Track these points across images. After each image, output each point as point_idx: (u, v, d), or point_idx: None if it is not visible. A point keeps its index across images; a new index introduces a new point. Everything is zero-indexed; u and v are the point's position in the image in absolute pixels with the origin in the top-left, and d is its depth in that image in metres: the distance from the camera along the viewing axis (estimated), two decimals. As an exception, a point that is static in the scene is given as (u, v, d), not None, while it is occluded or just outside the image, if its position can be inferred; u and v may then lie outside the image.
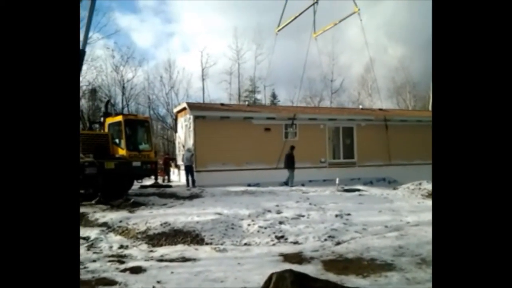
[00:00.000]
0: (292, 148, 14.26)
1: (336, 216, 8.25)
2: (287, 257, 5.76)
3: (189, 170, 14.06)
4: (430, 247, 6.13)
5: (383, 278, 4.71)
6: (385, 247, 6.15)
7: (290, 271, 3.96)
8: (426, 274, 4.84)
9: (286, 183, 13.86)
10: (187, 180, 14.11)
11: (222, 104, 18.69)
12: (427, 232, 6.99)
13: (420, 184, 12.64)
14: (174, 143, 22.48)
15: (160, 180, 15.80)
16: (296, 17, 17.04)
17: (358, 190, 12.53)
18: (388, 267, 5.18)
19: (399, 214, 8.62)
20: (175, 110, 19.35)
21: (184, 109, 16.49)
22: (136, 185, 12.96)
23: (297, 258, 5.74)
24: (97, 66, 32.45)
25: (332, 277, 4.68)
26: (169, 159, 19.09)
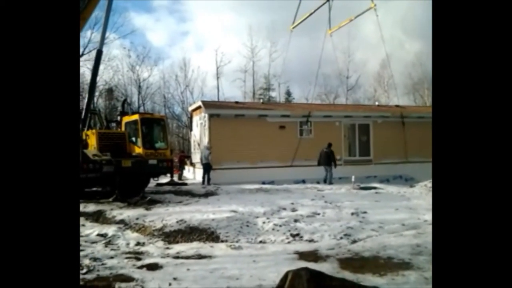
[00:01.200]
0: (330, 145, 14.02)
1: (352, 214, 8.18)
2: (302, 255, 5.74)
3: (207, 168, 14.02)
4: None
5: (400, 277, 4.65)
6: (402, 245, 6.06)
7: (306, 269, 3.94)
8: (445, 273, 4.75)
9: (325, 181, 13.78)
10: (204, 178, 14.09)
11: (236, 102, 18.71)
12: (446, 231, 6.86)
13: (438, 181, 12.39)
14: (189, 141, 22.67)
15: (175, 178, 15.94)
16: (311, 14, 16.91)
17: (375, 188, 12.39)
18: (405, 266, 5.10)
19: (416, 212, 8.48)
20: (190, 109, 19.50)
21: (199, 107, 16.59)
22: (152, 183, 13.11)
23: (313, 256, 5.71)
24: (114, 66, 33.08)
25: (348, 275, 4.64)
26: (184, 157, 19.24)
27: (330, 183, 13.62)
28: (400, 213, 8.36)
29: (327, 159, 13.81)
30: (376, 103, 23.66)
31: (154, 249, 6.25)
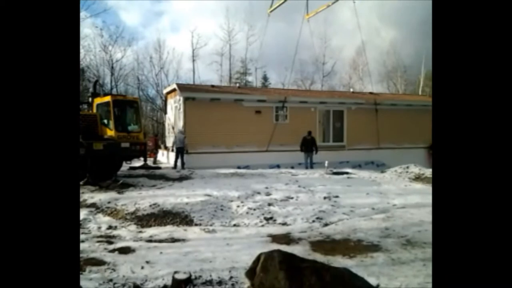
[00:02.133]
0: (310, 132, 14.54)
1: (325, 198, 8.36)
2: (275, 238, 5.84)
3: (180, 151, 13.95)
4: (415, 228, 6.30)
5: (369, 259, 4.81)
6: (371, 228, 6.27)
7: (278, 251, 4.01)
8: (411, 254, 4.96)
9: (306, 167, 14.16)
10: (176, 161, 13.99)
11: (212, 86, 18.50)
12: (413, 214, 7.13)
13: (407, 167, 12.83)
14: (163, 125, 22.30)
15: (149, 162, 15.72)
16: (288, -2, 16.77)
17: (347, 173, 12.67)
18: (374, 248, 5.28)
19: (386, 196, 8.76)
20: (164, 91, 19.13)
21: (174, 90, 16.29)
22: (125, 166, 12.88)
23: (285, 239, 5.82)
24: (85, 46, 31.74)
25: (319, 257, 4.77)
26: (158, 140, 18.95)
27: (311, 167, 13.95)
28: (371, 198, 8.62)
29: (311, 145, 14.31)
30: (351, 90, 23.99)
31: (126, 233, 6.19)
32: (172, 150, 14.38)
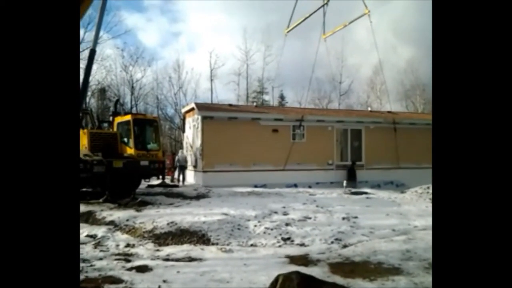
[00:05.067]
0: (354, 162, 16.03)
1: (343, 219, 8.21)
2: (293, 259, 5.74)
3: (182, 169, 16.02)
4: (438, 251, 6.07)
5: (390, 282, 4.67)
6: (392, 250, 6.09)
7: (297, 273, 3.95)
8: (434, 279, 4.78)
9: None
10: (178, 177, 15.97)
11: (230, 105, 18.70)
12: (436, 237, 6.92)
13: (428, 188, 12.51)
14: (181, 143, 22.58)
15: (167, 180, 15.88)
16: (305, 18, 16.99)
17: (366, 193, 12.45)
18: (395, 271, 5.13)
19: (407, 217, 8.54)
20: (183, 110, 19.43)
21: (192, 109, 16.54)
22: (143, 184, 13.03)
23: (303, 260, 5.72)
24: (107, 66, 32.79)
25: (338, 279, 4.65)
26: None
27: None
28: (391, 219, 8.41)
29: (353, 174, 15.75)
30: (369, 109, 23.84)
31: (144, 251, 6.20)
32: (175, 168, 16.49)
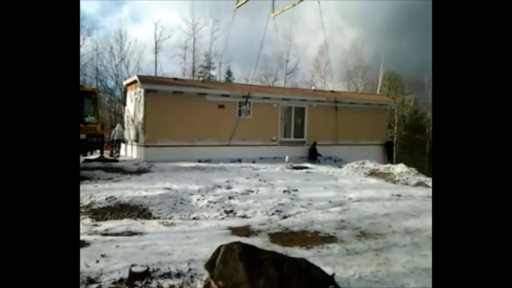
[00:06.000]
0: (315, 143, 16.45)
1: (284, 192, 8.51)
2: (235, 231, 5.87)
3: (118, 143, 16.20)
4: (369, 221, 6.57)
5: (325, 249, 4.98)
6: (328, 221, 6.47)
7: (239, 243, 4.04)
8: (364, 245, 5.18)
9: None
10: (113, 151, 15.94)
11: (175, 79, 18.12)
12: (367, 208, 7.45)
13: (363, 163, 13.34)
14: (122, 117, 21.62)
15: (106, 155, 15.22)
16: (254, -6, 16.77)
17: (306, 168, 12.97)
18: (330, 239, 5.47)
19: (343, 190, 9.07)
20: (124, 83, 18.49)
21: (134, 82, 15.79)
22: (80, 158, 12.36)
23: (245, 231, 5.88)
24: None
25: (277, 248, 4.86)
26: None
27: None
28: (328, 191, 8.89)
29: (314, 154, 16.31)
30: (313, 88, 24.45)
31: (81, 226, 5.95)
32: (112, 141, 16.38)
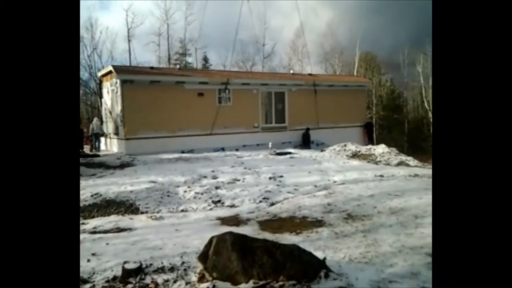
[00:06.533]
0: (308, 129, 16.61)
1: (270, 178, 8.58)
2: (224, 220, 5.91)
3: (97, 137, 15.77)
4: (354, 203, 6.73)
5: (314, 234, 5.09)
6: (315, 205, 6.60)
7: (230, 233, 4.08)
8: (352, 227, 5.32)
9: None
10: (93, 145, 15.60)
11: (151, 68, 17.75)
12: (352, 190, 7.61)
13: (345, 145, 13.56)
14: (99, 110, 21.11)
15: (86, 150, 14.90)
16: (227, -23, 16.46)
17: (290, 153, 13.07)
18: (318, 223, 5.58)
19: (327, 174, 9.22)
20: (99, 74, 18.02)
21: (109, 72, 15.38)
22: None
23: (235, 220, 5.93)
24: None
25: (268, 236, 4.93)
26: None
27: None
28: (313, 176, 9.02)
29: (307, 139, 16.50)
30: (291, 71, 24.47)
31: (67, 226, 5.87)
32: (91, 136, 15.85)
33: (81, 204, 6.80)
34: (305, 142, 16.35)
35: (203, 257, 3.88)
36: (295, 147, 15.49)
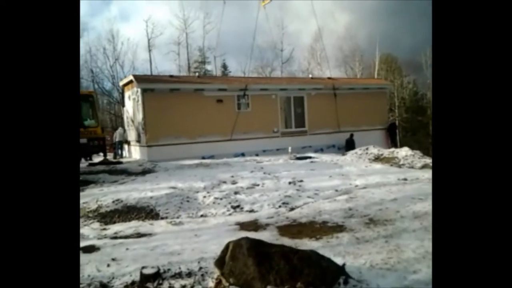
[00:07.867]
0: (352, 135, 16.69)
1: (290, 183, 8.49)
2: (243, 226, 5.87)
3: (120, 144, 16.58)
4: (376, 207, 6.55)
5: (334, 239, 4.97)
6: (335, 210, 6.46)
7: (246, 238, 4.04)
8: (373, 232, 5.17)
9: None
10: (116, 153, 16.42)
11: (171, 76, 18.04)
12: (374, 194, 7.43)
13: (367, 149, 13.30)
14: (122, 118, 21.60)
15: (110, 157, 15.23)
16: (244, -15, 16.59)
17: (310, 157, 12.94)
18: (339, 228, 5.46)
19: (348, 178, 9.05)
20: (121, 84, 18.44)
21: (131, 82, 15.74)
22: (83, 163, 12.37)
23: (253, 225, 5.88)
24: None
25: (286, 241, 4.85)
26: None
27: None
28: (334, 180, 8.87)
29: (352, 145, 16.19)
30: (310, 76, 24.34)
31: (90, 231, 5.97)
32: (114, 144, 16.85)
33: (103, 210, 6.93)
34: (349, 147, 15.74)
35: (220, 262, 3.84)
36: (316, 151, 15.34)
